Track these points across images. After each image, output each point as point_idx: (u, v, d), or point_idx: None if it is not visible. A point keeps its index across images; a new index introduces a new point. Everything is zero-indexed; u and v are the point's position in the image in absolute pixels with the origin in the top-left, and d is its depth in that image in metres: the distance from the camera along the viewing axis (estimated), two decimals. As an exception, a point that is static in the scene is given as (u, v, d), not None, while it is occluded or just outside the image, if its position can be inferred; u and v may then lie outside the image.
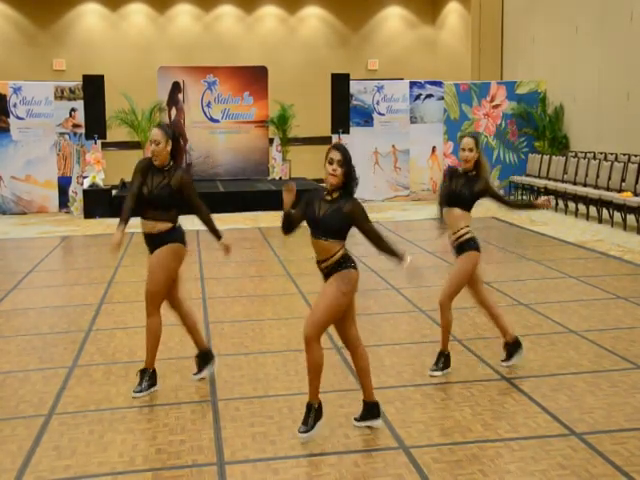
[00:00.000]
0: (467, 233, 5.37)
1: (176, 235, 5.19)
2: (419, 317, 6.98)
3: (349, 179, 4.22)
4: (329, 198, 4.24)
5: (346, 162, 4.19)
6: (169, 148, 5.12)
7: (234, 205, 14.51)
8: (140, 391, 5.16)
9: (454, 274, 5.43)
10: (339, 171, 4.18)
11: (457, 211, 5.37)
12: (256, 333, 6.50)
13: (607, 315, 6.89)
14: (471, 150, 5.33)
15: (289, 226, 4.43)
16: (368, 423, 4.54)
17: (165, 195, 5.08)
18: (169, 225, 5.15)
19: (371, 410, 4.54)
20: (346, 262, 4.29)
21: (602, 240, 10.78)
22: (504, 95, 16.69)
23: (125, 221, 5.14)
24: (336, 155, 4.18)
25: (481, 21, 19.46)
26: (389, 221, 13.22)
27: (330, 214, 4.20)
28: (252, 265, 9.86)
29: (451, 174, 5.49)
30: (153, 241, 5.16)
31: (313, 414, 4.37)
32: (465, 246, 5.38)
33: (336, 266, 4.27)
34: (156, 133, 5.10)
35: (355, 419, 4.58)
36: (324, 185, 4.32)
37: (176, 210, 5.20)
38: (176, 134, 5.22)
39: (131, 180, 5.34)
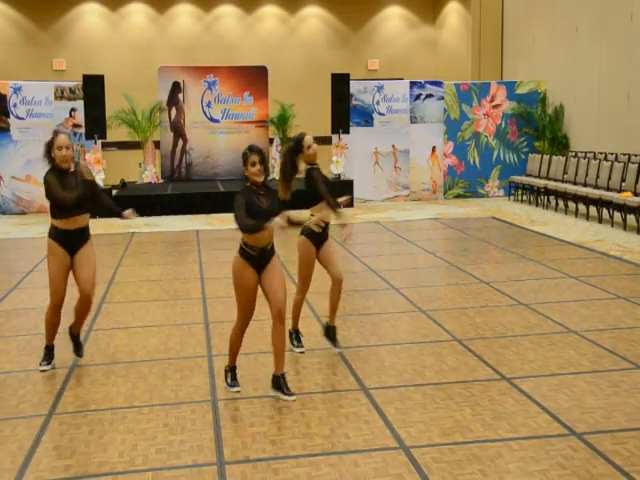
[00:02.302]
0: None
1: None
2: (419, 317, 6.98)
3: (266, 173, 4.91)
4: (262, 192, 4.89)
5: (264, 160, 4.86)
6: None
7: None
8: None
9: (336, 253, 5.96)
10: (262, 169, 4.83)
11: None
12: (256, 333, 6.49)
13: (607, 315, 6.89)
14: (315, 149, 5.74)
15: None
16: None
17: (88, 191, 5.48)
18: (88, 217, 5.67)
19: None
20: None
21: (602, 240, 10.78)
22: (504, 95, 16.69)
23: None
24: (257, 157, 4.80)
25: (481, 21, 19.46)
26: (389, 221, 13.20)
27: (271, 204, 4.90)
28: (252, 265, 9.82)
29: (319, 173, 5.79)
30: (82, 235, 5.63)
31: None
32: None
33: (273, 245, 4.99)
34: (65, 139, 5.44)
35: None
36: (248, 185, 4.88)
37: None
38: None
39: (52, 189, 5.45)
